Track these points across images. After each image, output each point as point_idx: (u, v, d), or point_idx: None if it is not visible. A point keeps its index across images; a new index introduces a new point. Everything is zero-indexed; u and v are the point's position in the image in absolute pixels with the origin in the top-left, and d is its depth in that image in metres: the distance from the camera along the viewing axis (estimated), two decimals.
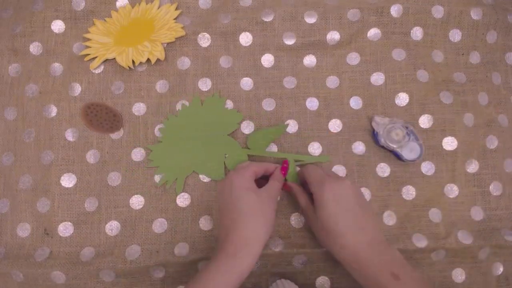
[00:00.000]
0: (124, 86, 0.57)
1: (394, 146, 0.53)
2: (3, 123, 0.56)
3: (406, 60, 0.57)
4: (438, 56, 0.58)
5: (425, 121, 0.56)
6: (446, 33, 0.58)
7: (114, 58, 0.56)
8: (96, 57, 0.57)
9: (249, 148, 0.55)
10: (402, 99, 0.56)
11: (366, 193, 0.54)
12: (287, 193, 0.54)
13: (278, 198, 0.54)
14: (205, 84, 0.57)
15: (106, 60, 0.57)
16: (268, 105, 0.57)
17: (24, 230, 0.53)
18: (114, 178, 0.55)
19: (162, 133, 0.56)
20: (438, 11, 0.58)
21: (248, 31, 0.58)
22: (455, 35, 0.58)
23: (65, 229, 0.53)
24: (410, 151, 0.54)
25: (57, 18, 0.58)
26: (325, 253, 0.53)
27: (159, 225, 0.54)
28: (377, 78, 0.57)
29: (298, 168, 0.54)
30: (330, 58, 0.58)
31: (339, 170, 0.55)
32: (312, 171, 0.49)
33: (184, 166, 0.55)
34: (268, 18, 0.58)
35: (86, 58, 0.57)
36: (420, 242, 0.52)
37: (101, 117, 0.55)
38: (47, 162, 0.55)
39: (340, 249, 0.44)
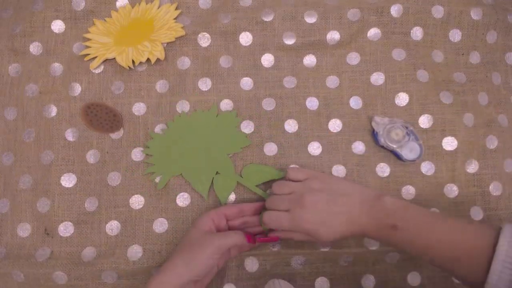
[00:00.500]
0: (124, 86, 0.57)
1: (394, 146, 0.53)
2: (3, 123, 0.56)
3: (406, 60, 0.57)
4: (438, 56, 0.58)
5: (425, 121, 0.56)
6: (446, 33, 0.58)
7: (114, 58, 0.56)
8: (96, 57, 0.57)
9: (241, 177, 0.54)
10: (402, 99, 0.56)
11: None
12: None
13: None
14: (205, 84, 0.57)
15: (106, 60, 0.57)
16: (268, 104, 0.57)
17: (24, 230, 0.53)
18: (114, 178, 0.55)
19: (169, 126, 0.56)
20: (438, 11, 0.58)
21: (248, 31, 0.58)
22: (455, 35, 0.58)
23: (65, 229, 0.53)
24: (410, 151, 0.54)
25: (57, 18, 0.58)
26: (324, 254, 0.53)
27: (160, 225, 0.54)
28: (377, 78, 0.57)
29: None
30: (330, 58, 0.58)
31: (339, 170, 0.55)
32: (276, 216, 0.47)
33: (174, 165, 0.54)
34: (268, 18, 0.58)
35: (86, 58, 0.57)
36: None
37: (101, 117, 0.55)
38: (47, 162, 0.55)
39: (353, 236, 0.46)
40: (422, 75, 0.57)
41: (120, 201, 0.54)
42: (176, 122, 0.56)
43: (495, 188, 0.55)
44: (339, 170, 0.55)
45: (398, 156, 0.54)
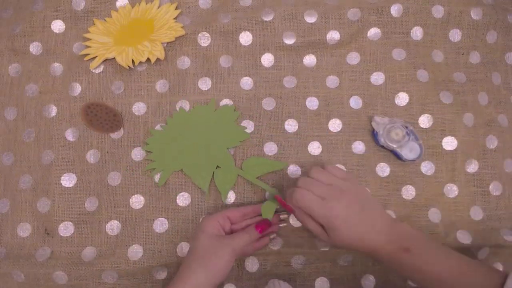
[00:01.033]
0: (124, 86, 0.57)
1: (394, 145, 0.53)
2: (3, 123, 0.56)
3: (406, 60, 0.57)
4: (438, 56, 0.58)
5: (425, 121, 0.56)
6: (446, 33, 0.58)
7: (114, 58, 0.56)
8: (96, 56, 0.57)
9: (241, 170, 0.54)
10: (402, 99, 0.56)
11: None
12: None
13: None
14: (205, 84, 0.57)
15: (106, 60, 0.57)
16: (268, 104, 0.57)
17: (24, 230, 0.53)
18: (114, 178, 0.55)
19: (168, 123, 0.56)
20: (438, 11, 0.58)
21: (248, 30, 0.58)
22: (455, 35, 0.58)
23: (65, 229, 0.53)
24: (409, 151, 0.54)
25: (57, 18, 0.58)
26: (324, 254, 0.53)
27: (160, 225, 0.54)
28: (377, 78, 0.57)
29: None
30: (330, 58, 0.58)
31: None
32: (308, 202, 0.46)
33: (174, 161, 0.54)
34: (268, 18, 0.58)
35: (86, 58, 0.57)
36: None
37: (101, 117, 0.55)
38: (47, 162, 0.55)
39: (362, 250, 0.45)
40: (422, 75, 0.57)
41: (120, 201, 0.54)
42: (175, 118, 0.56)
43: (495, 188, 0.55)
44: None
45: (398, 156, 0.54)
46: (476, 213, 0.54)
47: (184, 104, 0.57)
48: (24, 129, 0.56)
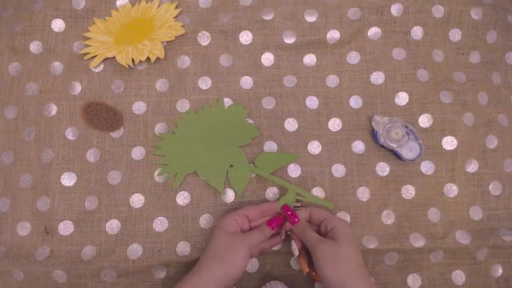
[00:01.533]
0: (124, 85, 0.57)
1: (394, 145, 0.53)
2: (3, 122, 0.56)
3: (406, 60, 0.57)
4: (438, 55, 0.58)
5: (424, 120, 0.56)
6: (446, 32, 0.58)
7: (114, 57, 0.56)
8: (96, 55, 0.57)
9: (255, 166, 0.54)
10: (402, 98, 0.56)
11: (366, 192, 0.54)
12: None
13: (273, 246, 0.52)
14: (205, 83, 0.57)
15: (106, 59, 0.57)
16: (268, 103, 0.57)
17: (24, 229, 0.53)
18: (114, 177, 0.55)
19: (178, 126, 0.56)
20: (438, 11, 0.58)
21: (248, 29, 0.58)
22: (455, 35, 0.58)
23: (65, 227, 0.53)
24: (409, 151, 0.54)
25: (57, 17, 0.58)
26: None
27: (160, 224, 0.54)
28: (377, 77, 0.57)
29: (297, 204, 0.53)
30: (330, 57, 0.58)
31: (339, 169, 0.55)
32: (306, 236, 0.47)
33: (187, 163, 0.54)
34: (268, 17, 0.58)
35: (86, 57, 0.57)
36: (418, 242, 0.52)
37: (101, 116, 0.55)
38: (47, 161, 0.55)
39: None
40: (422, 74, 0.57)
41: (120, 200, 0.54)
42: (184, 121, 0.56)
43: (494, 188, 0.55)
44: (339, 169, 0.55)
45: (397, 156, 0.54)
46: (476, 213, 0.54)
47: (184, 103, 0.57)
48: (24, 128, 0.56)
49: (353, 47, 0.58)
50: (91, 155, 0.55)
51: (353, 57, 0.58)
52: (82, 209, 0.54)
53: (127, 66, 0.56)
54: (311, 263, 0.48)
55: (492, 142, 0.56)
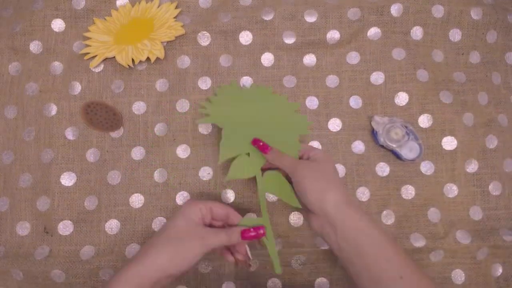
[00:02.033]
0: (124, 85, 0.57)
1: (394, 145, 0.53)
2: (3, 122, 0.56)
3: (406, 60, 0.57)
4: (438, 55, 0.58)
5: (424, 120, 0.56)
6: (446, 32, 0.58)
7: (114, 57, 0.56)
8: (96, 55, 0.57)
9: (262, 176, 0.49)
10: (402, 98, 0.56)
11: (366, 192, 0.54)
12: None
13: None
14: (205, 83, 0.57)
15: (106, 59, 0.57)
16: None
17: (23, 229, 0.53)
18: (114, 177, 0.55)
19: (218, 94, 0.55)
20: (438, 11, 0.58)
21: (248, 30, 0.58)
22: (455, 35, 0.58)
23: (65, 227, 0.53)
24: (409, 151, 0.54)
25: (57, 17, 0.58)
26: (324, 254, 0.53)
27: (159, 224, 0.54)
28: (377, 78, 0.57)
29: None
30: (330, 57, 0.58)
31: (339, 169, 0.55)
32: (283, 160, 0.47)
33: (232, 119, 0.52)
34: (268, 17, 0.58)
35: (86, 57, 0.57)
36: (418, 242, 0.52)
37: (101, 116, 0.55)
38: (47, 161, 0.55)
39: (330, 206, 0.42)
40: (422, 74, 0.57)
41: (120, 200, 0.54)
42: (225, 88, 0.56)
43: (494, 188, 0.55)
44: (338, 170, 0.55)
45: (397, 156, 0.54)
46: (476, 213, 0.54)
47: (184, 103, 0.57)
48: (24, 127, 0.56)
49: (353, 47, 0.58)
50: (91, 155, 0.55)
51: (353, 57, 0.58)
52: (82, 209, 0.54)
53: (127, 66, 0.56)
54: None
55: (492, 142, 0.56)
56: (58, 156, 0.55)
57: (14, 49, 0.58)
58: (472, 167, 0.55)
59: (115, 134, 0.56)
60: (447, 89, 0.56)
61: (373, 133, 0.55)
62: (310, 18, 0.58)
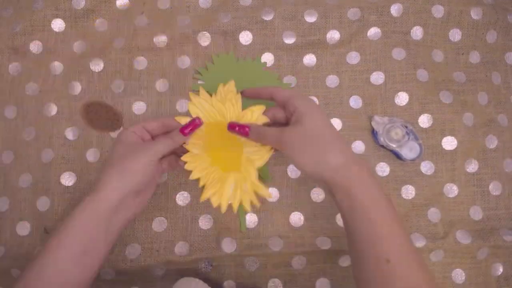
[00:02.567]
0: (124, 85, 0.57)
1: (394, 145, 0.53)
2: (3, 122, 0.56)
3: (406, 60, 0.57)
4: (438, 55, 0.58)
5: (424, 120, 0.56)
6: (446, 32, 0.58)
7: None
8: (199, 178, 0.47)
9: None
10: (402, 98, 0.56)
11: None
12: (285, 193, 0.54)
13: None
14: None
15: (106, 59, 0.57)
16: None
17: (23, 229, 0.53)
18: None
19: (214, 62, 0.57)
20: (438, 11, 0.58)
21: (248, 30, 0.58)
22: (455, 35, 0.58)
23: None
24: (409, 151, 0.54)
25: (57, 16, 0.58)
26: (325, 254, 0.53)
27: (159, 224, 0.54)
28: (377, 78, 0.57)
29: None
30: (330, 57, 0.58)
31: None
32: (267, 136, 0.43)
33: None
34: (268, 17, 0.58)
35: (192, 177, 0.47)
36: (418, 242, 0.52)
37: (101, 116, 0.55)
38: (47, 161, 0.55)
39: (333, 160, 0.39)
40: (422, 74, 0.57)
41: None
42: (222, 57, 0.57)
43: (494, 188, 0.55)
44: None
45: (397, 156, 0.54)
46: (476, 213, 0.54)
47: (184, 103, 0.56)
48: (24, 127, 0.56)
49: (353, 47, 0.58)
50: (91, 155, 0.55)
51: (353, 57, 0.58)
52: None
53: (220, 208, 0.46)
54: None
55: (492, 142, 0.56)
56: (58, 156, 0.55)
57: (14, 49, 0.58)
58: (472, 167, 0.55)
59: (115, 134, 0.56)
60: (447, 89, 0.56)
61: (373, 133, 0.55)
62: (310, 18, 0.58)
